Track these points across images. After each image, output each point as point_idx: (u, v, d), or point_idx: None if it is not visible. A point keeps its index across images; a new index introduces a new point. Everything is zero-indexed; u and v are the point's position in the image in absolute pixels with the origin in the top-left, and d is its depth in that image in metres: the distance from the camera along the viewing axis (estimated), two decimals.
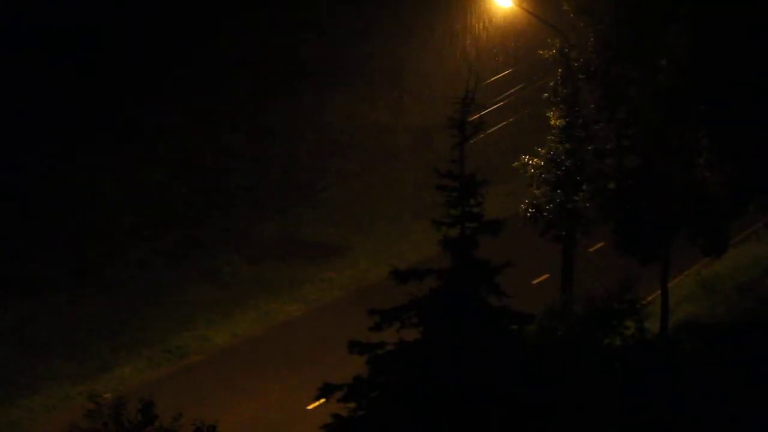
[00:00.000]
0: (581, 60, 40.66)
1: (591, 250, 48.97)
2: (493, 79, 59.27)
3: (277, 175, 60.04)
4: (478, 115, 28.92)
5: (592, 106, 41.09)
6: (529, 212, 42.18)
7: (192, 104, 61.34)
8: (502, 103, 57.13)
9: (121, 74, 60.19)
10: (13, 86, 57.09)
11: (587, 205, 41.70)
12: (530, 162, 42.06)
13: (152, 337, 44.99)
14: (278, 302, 48.23)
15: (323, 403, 28.66)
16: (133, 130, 58.79)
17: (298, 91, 64.55)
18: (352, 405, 27.82)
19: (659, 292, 42.25)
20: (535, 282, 47.95)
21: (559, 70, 41.61)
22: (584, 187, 41.41)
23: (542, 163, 41.87)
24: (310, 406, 38.20)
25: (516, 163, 42.68)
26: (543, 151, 42.09)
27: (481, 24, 67.70)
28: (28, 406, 40.44)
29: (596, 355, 32.30)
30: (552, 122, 42.01)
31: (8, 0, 58.89)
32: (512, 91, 58.28)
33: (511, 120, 57.56)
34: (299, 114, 63.84)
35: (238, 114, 62.48)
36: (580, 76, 40.89)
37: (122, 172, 56.27)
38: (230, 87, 63.26)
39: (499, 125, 55.08)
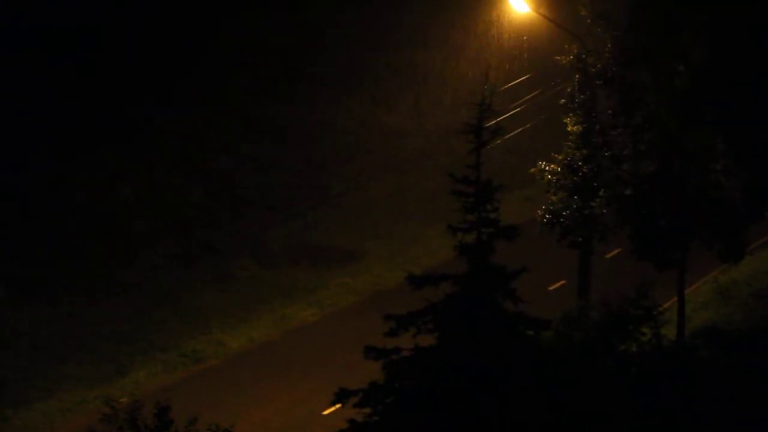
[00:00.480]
0: (598, 65, 40.70)
1: (608, 256, 48.99)
2: (510, 84, 59.38)
3: (292, 179, 60.04)
4: (494, 121, 28.93)
5: (609, 111, 41.12)
6: (546, 218, 42.21)
7: (205, 107, 61.40)
8: (519, 109, 57.18)
9: (133, 75, 60.27)
10: (25, 89, 57.20)
11: (604, 210, 41.80)
12: (547, 168, 42.10)
13: (167, 342, 45.11)
14: (293, 307, 48.34)
15: (339, 408, 28.73)
16: (146, 132, 58.83)
17: (314, 95, 64.59)
18: (367, 410, 27.86)
19: (676, 298, 42.23)
20: (551, 288, 47.95)
21: (576, 75, 41.75)
22: (601, 192, 41.49)
23: (559, 169, 41.93)
24: (326, 411, 38.31)
25: (533, 169, 42.74)
26: (560, 156, 42.16)
27: (498, 29, 67.75)
28: (44, 410, 40.63)
29: (612, 361, 32.20)
30: (569, 128, 42.07)
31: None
32: (529, 96, 58.33)
33: (528, 125, 57.60)
34: (314, 118, 63.85)
35: (252, 117, 62.53)
36: (597, 81, 40.94)
37: (136, 175, 56.36)
38: (244, 90, 63.32)
39: (516, 131, 55.14)
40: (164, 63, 61.44)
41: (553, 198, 42.20)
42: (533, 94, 58.30)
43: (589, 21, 40.80)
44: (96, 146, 56.43)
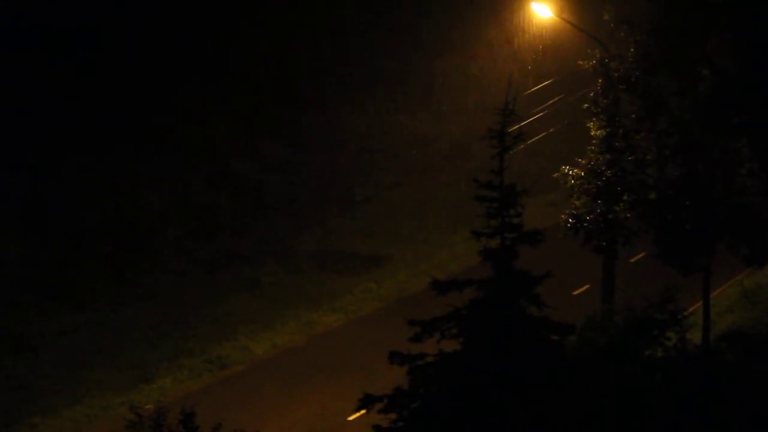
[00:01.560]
0: (621, 70, 40.41)
1: (632, 260, 48.76)
2: (533, 89, 59.27)
3: (317, 185, 60.15)
4: (517, 126, 28.80)
5: (633, 116, 40.82)
6: (570, 222, 41.94)
7: (230, 113, 61.57)
8: (542, 114, 57.10)
9: (157, 81, 60.45)
10: (49, 94, 57.41)
11: (628, 215, 41.48)
12: (571, 172, 41.86)
13: (193, 348, 45.22)
14: (318, 313, 48.34)
15: (364, 414, 28.63)
16: (171, 138, 59.04)
17: (338, 102, 64.67)
18: (392, 416, 27.75)
19: (701, 302, 41.97)
20: (575, 292, 47.77)
21: (599, 80, 41.44)
22: (625, 197, 41.19)
23: (582, 174, 41.66)
24: (351, 417, 38.23)
25: (556, 174, 42.54)
26: (583, 161, 41.92)
27: (521, 34, 67.64)
28: (71, 416, 40.71)
29: (637, 365, 32.06)
30: (592, 132, 41.80)
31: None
32: (552, 101, 58.22)
33: (551, 130, 57.50)
34: (338, 125, 63.95)
35: (277, 123, 62.65)
36: (620, 86, 40.64)
37: (161, 181, 56.58)
38: (269, 97, 63.45)
39: (540, 135, 55.09)
40: (189, 69, 61.60)
41: (577, 202, 41.94)
42: (556, 98, 58.19)
43: (612, 26, 40.58)
44: (121, 152, 56.66)
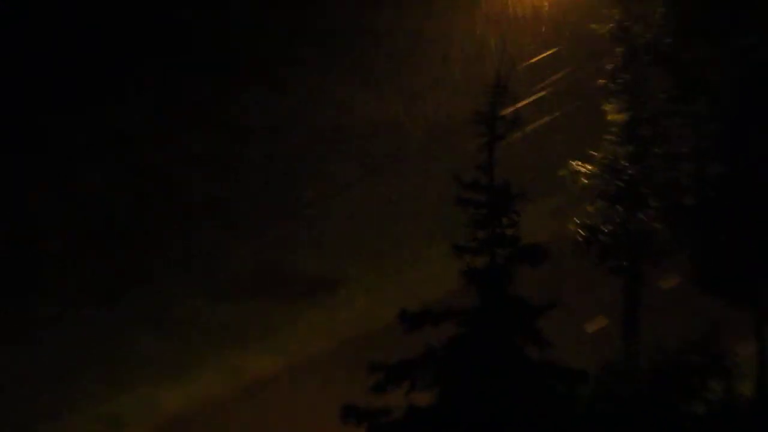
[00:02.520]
0: (647, 37, 40.95)
1: (666, 286, 48.63)
2: (531, 61, 59.22)
3: (254, 185, 60.10)
4: (512, 109, 28.91)
5: (662, 96, 41.27)
6: (581, 235, 42.04)
7: (146, 97, 61.49)
8: (543, 93, 57.08)
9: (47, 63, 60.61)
10: None
11: (657, 226, 41.60)
12: (581, 169, 42.29)
13: (80, 401, 45.30)
14: (248, 354, 48.49)
15: None
16: (66, 128, 58.92)
17: (285, 81, 64.61)
18: None
19: (756, 343, 41.79)
20: (588, 328, 47.85)
21: (619, 49, 41.75)
22: (652, 202, 41.39)
23: (597, 171, 42.12)
24: None
25: (563, 171, 42.84)
26: (598, 155, 42.35)
27: None
28: None
29: (672, 425, 32.02)
30: (609, 117, 42.30)
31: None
32: (557, 76, 58.23)
33: (556, 114, 57.54)
34: (285, 108, 63.88)
35: (204, 109, 62.54)
36: (646, 57, 41.17)
37: (47, 180, 56.26)
38: (197, 77, 63.36)
39: (541, 121, 55.09)
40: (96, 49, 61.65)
41: (590, 209, 42.40)
42: (562, 73, 58.18)
43: None
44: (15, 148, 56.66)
